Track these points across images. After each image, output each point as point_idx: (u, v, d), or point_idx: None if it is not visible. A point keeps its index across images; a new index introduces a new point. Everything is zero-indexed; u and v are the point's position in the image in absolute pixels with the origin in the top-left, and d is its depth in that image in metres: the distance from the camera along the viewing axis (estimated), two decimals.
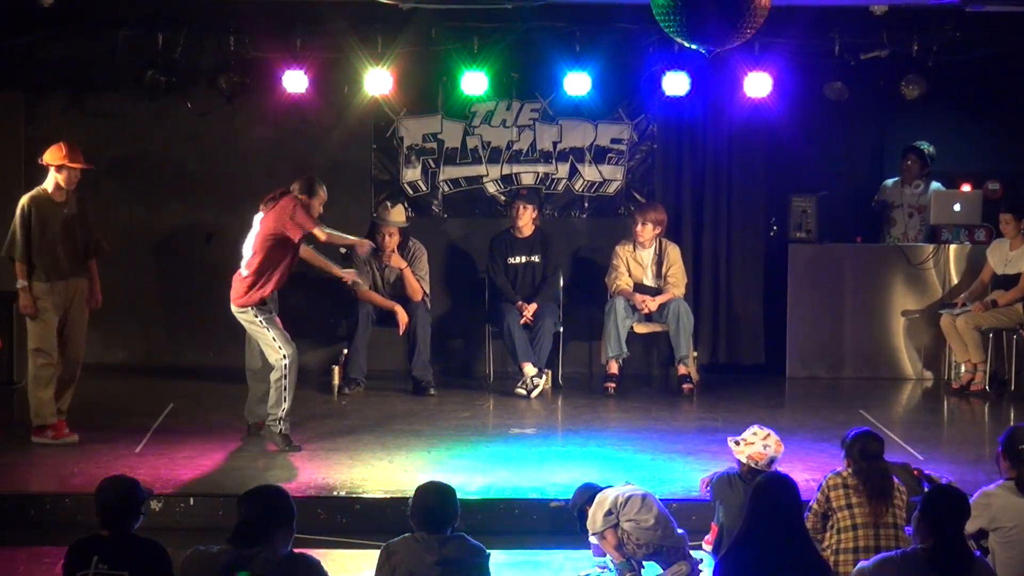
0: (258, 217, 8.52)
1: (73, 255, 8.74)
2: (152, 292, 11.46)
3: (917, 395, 10.96)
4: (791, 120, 10.97)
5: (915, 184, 11.43)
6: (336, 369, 10.45)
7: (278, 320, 8.55)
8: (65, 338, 8.74)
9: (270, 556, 4.76)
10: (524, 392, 10.36)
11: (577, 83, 10.73)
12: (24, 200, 8.64)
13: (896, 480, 6.18)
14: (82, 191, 8.90)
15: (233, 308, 8.50)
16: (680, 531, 6.54)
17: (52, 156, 8.62)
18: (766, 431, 6.63)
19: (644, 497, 6.49)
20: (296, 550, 4.92)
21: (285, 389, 8.43)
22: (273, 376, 8.46)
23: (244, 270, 8.50)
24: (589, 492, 6.71)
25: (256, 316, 8.42)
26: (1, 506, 7.35)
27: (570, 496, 6.90)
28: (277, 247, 8.39)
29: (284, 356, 8.40)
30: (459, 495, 5.32)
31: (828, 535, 6.09)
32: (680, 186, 11.50)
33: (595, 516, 6.52)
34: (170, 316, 11.43)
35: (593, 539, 6.62)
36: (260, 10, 10.27)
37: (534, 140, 11.52)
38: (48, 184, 8.67)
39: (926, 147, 11.42)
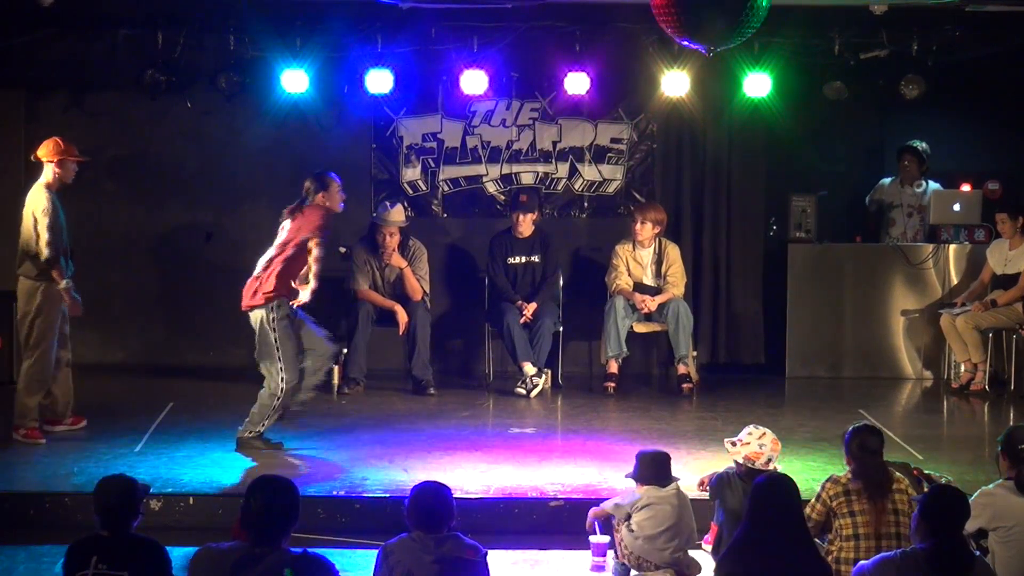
0: (284, 224, 8.36)
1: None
2: (152, 292, 11.46)
3: (917, 395, 10.96)
4: (791, 120, 10.96)
5: (916, 184, 11.43)
6: (336, 369, 10.41)
7: (305, 331, 8.37)
8: (65, 334, 8.77)
9: (282, 555, 4.75)
10: (524, 392, 10.36)
11: (577, 83, 10.72)
12: (46, 196, 8.45)
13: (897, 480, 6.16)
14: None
15: (250, 315, 8.29)
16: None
17: (50, 151, 8.54)
18: (762, 430, 6.61)
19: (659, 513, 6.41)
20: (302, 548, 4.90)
21: (273, 411, 8.31)
22: (264, 394, 8.30)
23: (258, 271, 8.31)
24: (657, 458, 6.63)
25: (271, 320, 8.20)
26: (1, 506, 7.35)
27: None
28: (297, 253, 8.26)
29: (283, 381, 8.22)
30: (459, 495, 5.33)
31: (834, 540, 6.05)
32: (680, 186, 11.50)
33: (619, 503, 6.51)
34: (170, 316, 11.43)
35: (592, 539, 6.63)
36: (260, 10, 10.27)
37: (534, 140, 11.52)
38: (47, 178, 8.55)
39: (919, 144, 11.42)
